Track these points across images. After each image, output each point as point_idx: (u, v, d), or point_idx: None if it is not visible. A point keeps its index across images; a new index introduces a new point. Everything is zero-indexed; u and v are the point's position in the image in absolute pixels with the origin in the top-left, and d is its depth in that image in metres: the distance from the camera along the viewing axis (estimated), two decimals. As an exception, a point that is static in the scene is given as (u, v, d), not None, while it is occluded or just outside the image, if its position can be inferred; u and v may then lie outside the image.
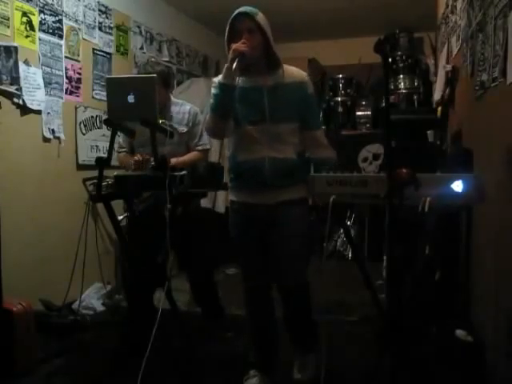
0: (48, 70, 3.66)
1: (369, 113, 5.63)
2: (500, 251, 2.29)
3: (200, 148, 3.17)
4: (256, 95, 2.34)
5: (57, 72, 3.75)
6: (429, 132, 4.82)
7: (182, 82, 5.53)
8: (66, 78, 3.85)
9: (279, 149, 2.33)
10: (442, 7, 4.58)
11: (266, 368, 2.50)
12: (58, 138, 3.76)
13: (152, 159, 2.66)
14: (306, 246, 2.42)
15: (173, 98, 3.22)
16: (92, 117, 4.13)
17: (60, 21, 3.79)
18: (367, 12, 5.63)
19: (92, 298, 3.77)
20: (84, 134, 4.05)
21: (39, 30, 3.58)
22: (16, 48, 3.34)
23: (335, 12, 5.66)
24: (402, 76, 5.44)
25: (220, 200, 4.76)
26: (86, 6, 4.09)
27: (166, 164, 2.49)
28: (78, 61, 3.99)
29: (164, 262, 2.72)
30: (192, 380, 2.64)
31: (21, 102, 3.38)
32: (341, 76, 5.90)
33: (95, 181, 2.64)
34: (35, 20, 3.54)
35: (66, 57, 3.85)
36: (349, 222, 5.34)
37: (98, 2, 4.25)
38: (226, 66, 2.22)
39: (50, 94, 3.67)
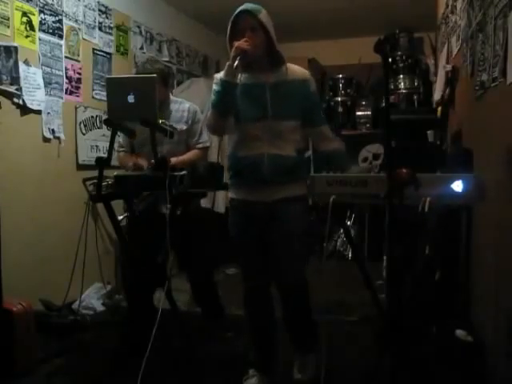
0: (48, 70, 3.66)
1: (369, 113, 5.64)
2: (500, 251, 2.29)
3: (200, 146, 3.16)
4: (258, 92, 2.34)
5: (57, 72, 3.75)
6: (429, 132, 4.83)
7: (182, 82, 5.53)
8: (66, 78, 3.85)
9: (279, 146, 2.34)
10: (442, 7, 4.58)
11: (266, 368, 2.50)
12: (58, 138, 3.76)
13: (151, 161, 2.66)
14: (305, 243, 2.42)
15: (172, 97, 3.22)
16: (92, 117, 4.13)
17: (60, 21, 3.79)
18: (367, 12, 5.62)
19: (92, 298, 3.77)
20: (84, 134, 4.05)
21: (39, 30, 3.58)
22: (16, 48, 3.34)
23: (335, 12, 5.66)
24: (401, 76, 5.45)
25: (220, 200, 4.76)
26: (86, 6, 4.09)
27: (165, 164, 2.50)
28: (78, 61, 3.99)
29: (164, 262, 2.73)
30: (192, 380, 2.64)
31: (21, 102, 3.38)
32: (341, 76, 5.91)
33: (95, 181, 2.64)
34: (35, 20, 3.54)
35: (66, 57, 3.84)
36: (349, 222, 5.34)
37: (98, 2, 4.25)
38: (227, 63, 2.22)
39: (50, 94, 3.67)
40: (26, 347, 2.69)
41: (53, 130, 3.69)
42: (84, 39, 4.06)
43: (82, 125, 4.02)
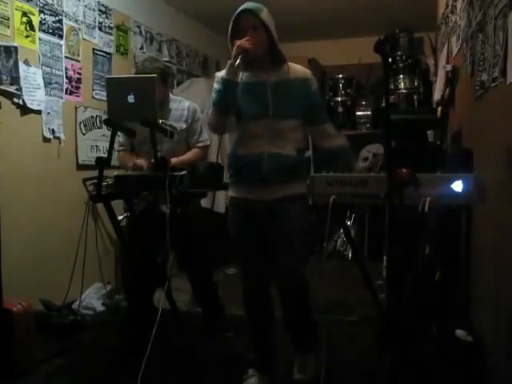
0: (48, 70, 3.66)
1: (369, 113, 5.64)
2: (500, 251, 2.29)
3: (200, 145, 3.15)
4: (259, 90, 2.34)
5: (57, 72, 3.75)
6: (429, 132, 4.83)
7: (182, 82, 5.53)
8: (66, 78, 3.85)
9: (280, 145, 2.33)
10: (442, 7, 4.58)
11: (265, 368, 2.50)
12: (58, 138, 3.76)
13: (151, 160, 2.66)
14: (304, 242, 2.42)
15: (171, 95, 3.21)
16: (92, 117, 4.13)
17: (60, 21, 3.79)
18: (367, 12, 5.63)
19: (92, 298, 3.77)
20: (84, 134, 4.05)
21: (39, 30, 3.58)
22: (16, 48, 3.34)
23: (335, 12, 5.66)
24: (401, 76, 5.45)
25: (220, 200, 4.76)
26: (86, 6, 4.09)
27: (165, 164, 2.50)
28: (78, 61, 3.99)
29: (164, 262, 2.73)
30: (192, 380, 2.64)
31: (21, 102, 3.38)
32: (341, 76, 5.91)
33: (95, 181, 2.64)
34: (35, 20, 3.54)
35: (66, 57, 3.84)
36: (349, 222, 5.34)
37: (98, 2, 4.25)
38: (229, 61, 2.23)
39: (50, 94, 3.67)
40: (26, 347, 2.69)
41: (53, 130, 3.69)
42: (84, 39, 4.06)
43: (81, 125, 4.02)
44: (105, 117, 3.44)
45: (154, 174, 2.58)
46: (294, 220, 2.36)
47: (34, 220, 3.50)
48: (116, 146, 2.99)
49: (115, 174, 2.70)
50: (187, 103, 3.17)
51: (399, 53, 5.59)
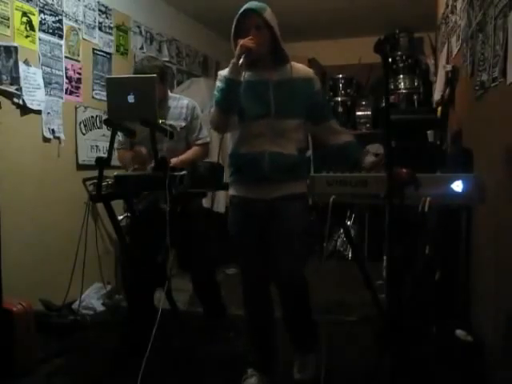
0: (48, 70, 3.66)
1: (369, 113, 5.64)
2: (500, 251, 2.29)
3: (200, 142, 3.14)
4: (262, 89, 2.34)
5: (57, 72, 3.75)
6: (429, 132, 4.83)
7: (182, 82, 5.53)
8: (66, 78, 3.85)
9: (281, 144, 2.34)
10: (442, 7, 4.58)
11: (265, 368, 2.50)
12: (58, 138, 3.76)
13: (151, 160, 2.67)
14: (304, 242, 2.42)
15: (170, 93, 3.19)
16: (92, 117, 4.13)
17: (60, 21, 3.79)
18: (367, 12, 5.63)
19: (92, 298, 3.77)
20: (84, 134, 4.05)
21: (39, 30, 3.58)
22: (16, 48, 3.34)
23: (335, 12, 5.66)
24: (401, 76, 5.45)
25: (220, 200, 4.76)
26: (86, 6, 4.09)
27: (166, 164, 2.49)
28: (78, 61, 3.99)
29: (164, 262, 2.72)
30: (192, 380, 2.64)
31: (21, 102, 3.38)
32: (341, 76, 5.91)
33: (95, 181, 2.64)
34: (35, 20, 3.54)
35: (66, 57, 3.85)
36: (349, 222, 5.34)
37: (98, 2, 4.25)
38: (232, 60, 2.23)
39: (50, 94, 3.67)
40: (26, 347, 2.69)
41: (53, 130, 3.69)
42: (84, 39, 4.06)
43: (81, 125, 4.02)
44: (105, 117, 3.44)
45: (154, 174, 2.58)
46: (293, 219, 2.36)
47: (33, 220, 3.50)
48: (116, 145, 2.99)
49: (115, 174, 2.70)
50: (186, 101, 3.16)
51: (399, 53, 5.59)
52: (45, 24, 3.63)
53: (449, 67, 3.77)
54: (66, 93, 3.84)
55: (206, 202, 4.37)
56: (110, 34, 4.42)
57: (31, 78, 3.46)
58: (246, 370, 2.51)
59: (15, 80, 3.33)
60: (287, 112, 2.34)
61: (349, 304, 3.69)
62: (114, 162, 2.97)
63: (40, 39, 3.58)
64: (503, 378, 2.18)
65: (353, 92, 5.88)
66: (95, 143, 4.15)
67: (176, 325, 2.84)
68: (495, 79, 2.27)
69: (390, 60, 5.47)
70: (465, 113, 3.31)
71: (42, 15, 3.60)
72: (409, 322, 2.19)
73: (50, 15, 3.69)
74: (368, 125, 5.60)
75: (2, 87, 3.24)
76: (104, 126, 3.97)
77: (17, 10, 3.39)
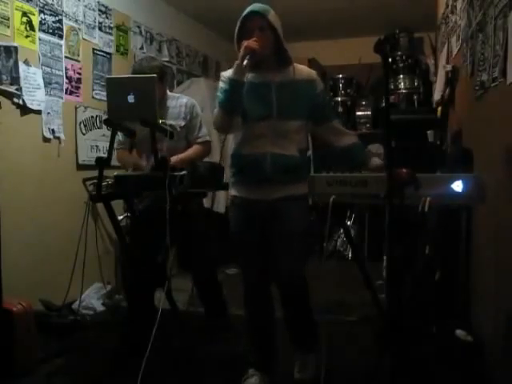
0: (48, 70, 3.66)
1: (369, 113, 5.64)
2: (500, 251, 2.29)
3: (200, 140, 3.13)
4: (264, 91, 2.34)
5: (57, 72, 3.75)
6: (429, 132, 4.83)
7: (182, 82, 5.53)
8: (66, 78, 3.85)
9: (283, 145, 2.34)
10: (442, 7, 4.58)
11: (266, 367, 2.50)
12: (58, 138, 3.76)
13: (152, 160, 2.66)
14: (305, 243, 2.42)
15: (169, 93, 3.18)
16: (92, 117, 4.13)
17: (60, 21, 3.79)
18: (367, 12, 5.63)
19: (92, 298, 3.77)
20: (84, 134, 4.05)
21: (39, 30, 3.58)
22: (16, 48, 3.34)
23: (335, 12, 5.66)
24: (402, 76, 5.45)
25: (220, 200, 4.76)
26: (86, 6, 4.09)
27: (166, 164, 2.49)
28: (78, 61, 3.99)
29: (164, 262, 2.72)
30: (192, 380, 2.64)
31: (21, 102, 3.38)
32: (341, 76, 5.91)
33: (95, 181, 2.64)
34: (35, 20, 3.54)
35: (66, 57, 3.85)
36: (349, 222, 5.34)
37: (98, 2, 4.25)
38: (236, 62, 2.23)
39: (50, 94, 3.67)
40: (26, 347, 2.68)
41: (53, 130, 3.69)
42: (84, 39, 4.06)
43: (81, 125, 4.02)
44: (105, 117, 3.44)
45: (154, 174, 2.58)
46: (295, 220, 2.36)
47: (34, 220, 3.50)
48: (115, 144, 2.99)
49: (115, 174, 2.70)
50: (185, 99, 3.15)
51: (399, 53, 5.59)
52: (45, 24, 3.63)
53: (449, 67, 3.77)
54: (66, 93, 3.84)
55: (206, 202, 4.38)
56: (110, 33, 4.42)
57: (31, 78, 3.46)
58: (247, 370, 2.51)
59: (15, 80, 3.33)
60: (289, 113, 2.34)
61: (349, 304, 3.69)
62: (114, 162, 2.97)
63: (40, 39, 3.58)
64: (503, 377, 2.18)
65: (353, 92, 5.88)
66: (95, 143, 4.15)
67: (176, 325, 2.84)
68: (495, 79, 2.27)
69: (390, 60, 5.47)
70: (465, 113, 3.31)
71: (42, 15, 3.60)
72: (409, 322, 2.19)
73: (50, 15, 3.69)
74: (368, 125, 5.60)
75: (2, 87, 3.24)
76: (104, 126, 3.96)
77: (17, 10, 3.39)
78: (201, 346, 2.89)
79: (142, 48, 4.90)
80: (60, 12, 3.79)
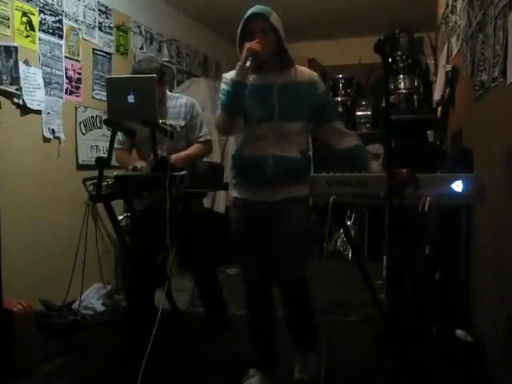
0: (48, 70, 3.66)
1: (369, 113, 5.64)
2: (500, 251, 2.29)
3: (201, 139, 3.12)
4: (266, 92, 2.34)
5: (57, 72, 3.75)
6: (429, 132, 4.83)
7: (182, 82, 5.53)
8: (66, 78, 3.85)
9: (284, 147, 2.34)
10: (442, 7, 4.58)
11: (266, 367, 2.50)
12: (58, 138, 3.76)
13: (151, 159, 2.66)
14: (306, 244, 2.43)
15: (169, 93, 3.18)
16: (92, 117, 4.13)
17: (60, 21, 3.79)
18: (367, 12, 5.63)
19: (92, 298, 3.77)
20: (84, 134, 4.05)
21: (39, 29, 3.58)
22: (16, 48, 3.34)
23: (335, 12, 5.66)
24: (402, 76, 5.45)
25: (220, 200, 4.76)
26: (86, 6, 4.09)
27: (166, 164, 2.49)
28: (78, 61, 3.99)
29: (164, 262, 2.72)
30: (192, 380, 2.64)
31: (21, 102, 3.38)
32: (341, 76, 5.91)
33: (95, 181, 2.64)
34: (35, 20, 3.54)
35: (66, 57, 3.85)
36: (349, 222, 5.35)
37: (98, 2, 4.26)
38: (239, 63, 2.23)
39: (50, 94, 3.67)
40: (26, 347, 2.69)
41: (53, 130, 3.69)
42: (84, 39, 4.06)
43: (81, 125, 4.02)
44: (105, 117, 3.44)
45: (154, 174, 2.58)
46: (296, 222, 2.36)
47: (33, 220, 3.50)
48: (115, 144, 2.99)
49: (115, 174, 2.70)
50: (184, 99, 3.15)
51: (399, 53, 5.59)
52: (45, 24, 3.63)
53: (449, 67, 3.77)
54: (66, 93, 3.84)
55: (206, 202, 4.39)
56: (110, 33, 4.42)
57: (31, 78, 3.46)
58: (248, 370, 2.52)
59: (15, 80, 3.33)
60: (291, 115, 2.34)
61: (349, 304, 3.70)
62: (114, 162, 2.98)
63: (40, 39, 3.58)
64: (503, 377, 2.18)
65: (353, 92, 5.88)
66: (95, 143, 4.15)
67: (176, 325, 2.84)
68: (495, 79, 2.27)
69: (390, 60, 5.47)
70: (465, 113, 3.31)
71: (42, 15, 3.60)
72: (409, 322, 2.19)
73: (50, 15, 3.69)
74: (368, 125, 5.60)
75: (2, 87, 3.24)
76: (104, 126, 3.96)
77: (17, 9, 3.39)
78: (201, 346, 2.89)
79: (141, 48, 4.90)
80: (60, 12, 3.79)
